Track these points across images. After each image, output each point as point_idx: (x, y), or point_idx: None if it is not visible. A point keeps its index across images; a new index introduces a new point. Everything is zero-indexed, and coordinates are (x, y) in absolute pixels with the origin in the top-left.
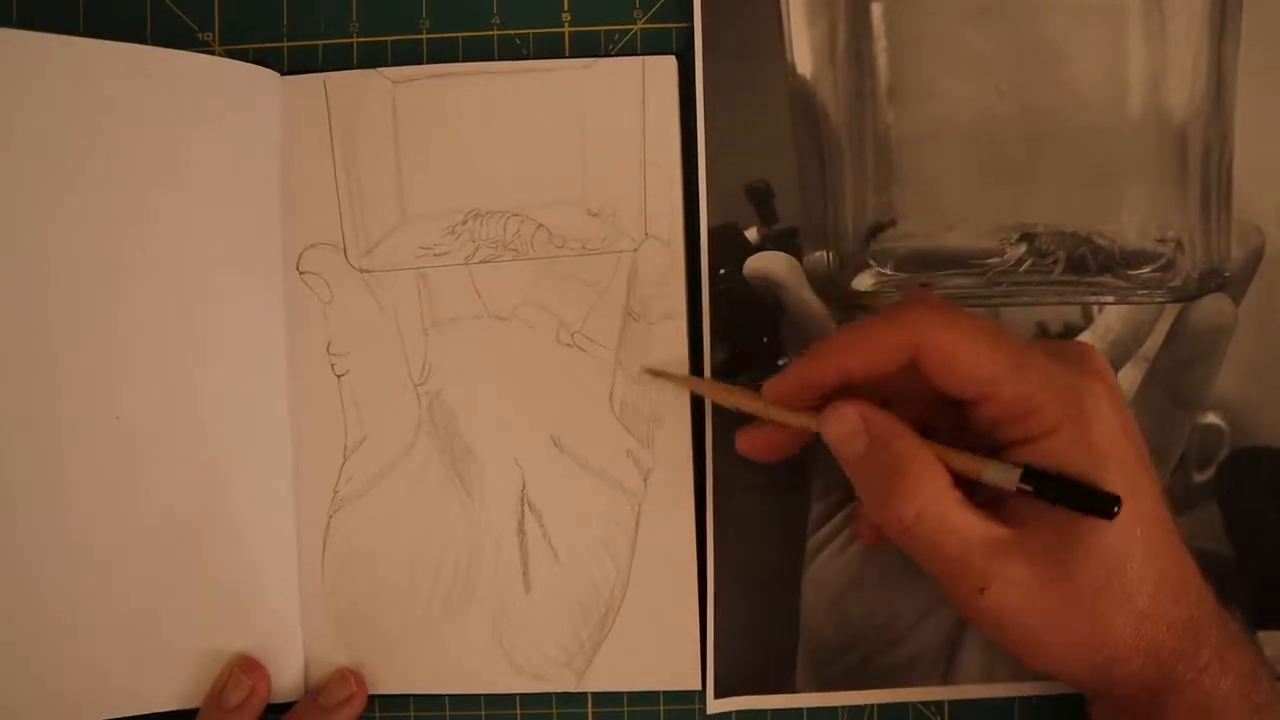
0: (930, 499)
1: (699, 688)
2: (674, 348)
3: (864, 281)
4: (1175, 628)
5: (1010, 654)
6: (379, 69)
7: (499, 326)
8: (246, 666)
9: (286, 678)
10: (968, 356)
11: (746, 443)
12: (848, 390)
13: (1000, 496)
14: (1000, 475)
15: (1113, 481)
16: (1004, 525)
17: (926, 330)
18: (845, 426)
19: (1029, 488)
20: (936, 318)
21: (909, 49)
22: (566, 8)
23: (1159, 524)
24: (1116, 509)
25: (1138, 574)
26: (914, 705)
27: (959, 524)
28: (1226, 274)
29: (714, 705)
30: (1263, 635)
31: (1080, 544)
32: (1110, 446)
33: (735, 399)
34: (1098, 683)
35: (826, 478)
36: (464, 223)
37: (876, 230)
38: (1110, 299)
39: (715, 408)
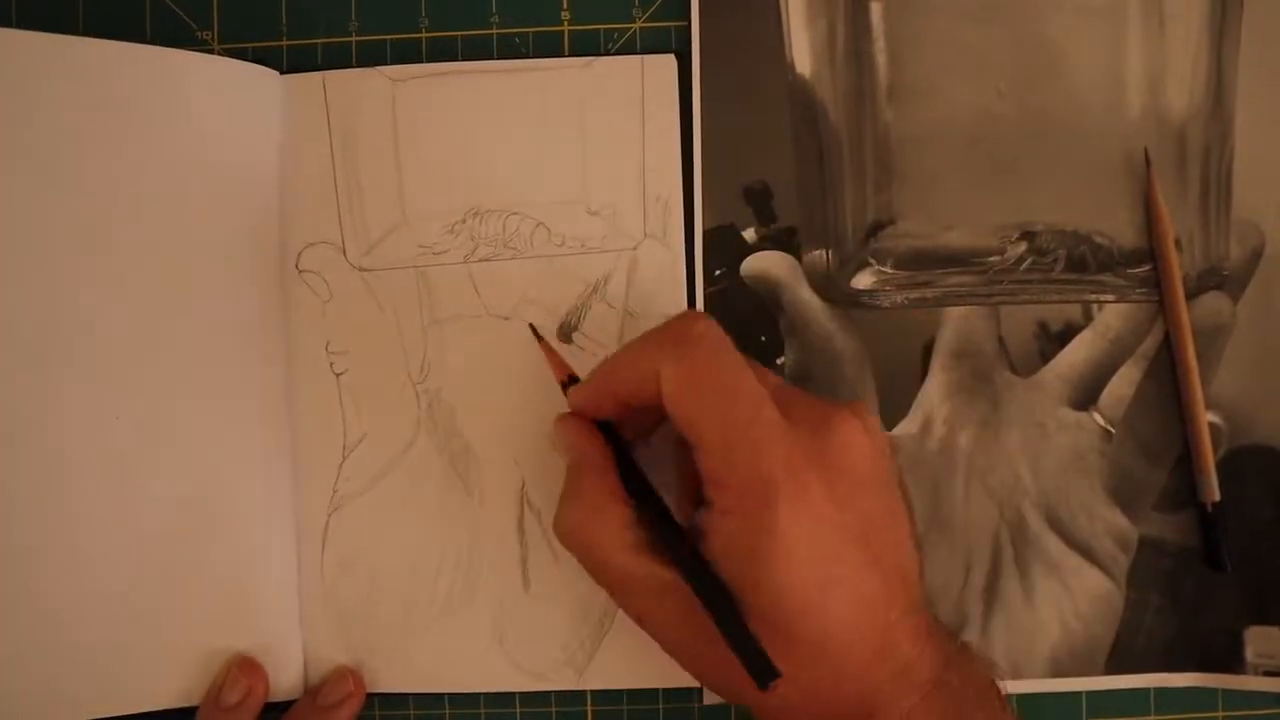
0: (599, 536)
1: (697, 685)
2: None
3: (863, 281)
4: (851, 703)
5: None
6: (378, 68)
7: (498, 325)
8: (244, 666)
9: (286, 677)
10: (690, 407)
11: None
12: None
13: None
14: (670, 544)
15: (768, 586)
16: (672, 567)
17: (668, 364)
18: (559, 438)
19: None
20: (680, 353)
21: (908, 48)
22: (565, 6)
23: (837, 613)
24: (769, 682)
25: (802, 658)
26: None
27: (623, 564)
28: (1225, 273)
29: (711, 698)
30: (1258, 630)
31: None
32: (782, 551)
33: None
34: (779, 714)
35: None
36: (463, 221)
37: (876, 229)
38: (1110, 297)
39: None
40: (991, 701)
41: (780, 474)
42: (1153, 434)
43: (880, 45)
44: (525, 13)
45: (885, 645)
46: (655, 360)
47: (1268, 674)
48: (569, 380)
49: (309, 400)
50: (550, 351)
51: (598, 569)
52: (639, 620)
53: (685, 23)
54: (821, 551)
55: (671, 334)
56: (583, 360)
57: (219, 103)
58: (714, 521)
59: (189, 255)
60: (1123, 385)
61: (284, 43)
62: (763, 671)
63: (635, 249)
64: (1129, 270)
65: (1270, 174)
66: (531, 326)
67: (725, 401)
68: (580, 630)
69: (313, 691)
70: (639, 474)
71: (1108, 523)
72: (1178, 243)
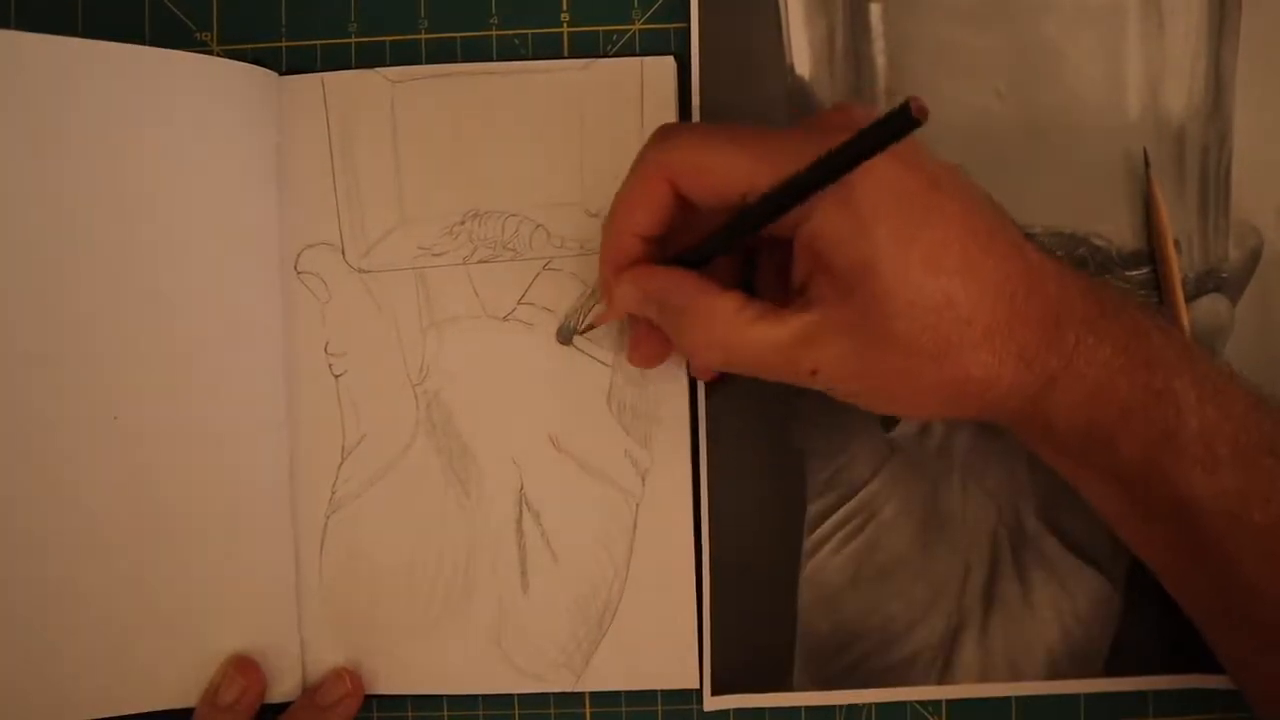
0: (726, 333)
1: (696, 686)
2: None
3: None
4: (1031, 323)
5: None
6: (377, 69)
7: (497, 327)
8: (240, 666)
9: (284, 678)
10: (716, 164)
11: (636, 357)
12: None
13: (806, 281)
14: (777, 206)
15: (880, 238)
16: (808, 311)
17: (669, 158)
18: (629, 300)
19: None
20: (673, 142)
21: (907, 49)
22: (565, 8)
23: (967, 237)
24: (911, 110)
25: (958, 296)
26: (912, 705)
27: (765, 336)
28: (1224, 275)
29: (711, 703)
30: None
31: (879, 299)
32: (875, 205)
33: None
34: (981, 411)
35: (823, 476)
36: (462, 223)
37: None
38: None
39: (712, 410)
40: (1149, 308)
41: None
42: None
43: (879, 46)
44: (524, 14)
45: (1027, 264)
46: (657, 170)
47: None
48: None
49: (308, 401)
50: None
51: (750, 358)
52: (813, 379)
53: (684, 25)
54: (911, 199)
55: (654, 141)
56: (581, 363)
57: (218, 104)
58: (806, 230)
59: (188, 256)
60: None
61: (283, 44)
62: (898, 117)
63: None
64: (1128, 272)
65: (1269, 175)
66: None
67: (736, 145)
68: (578, 631)
69: (310, 691)
70: (697, 251)
71: (1106, 525)
72: (1176, 244)
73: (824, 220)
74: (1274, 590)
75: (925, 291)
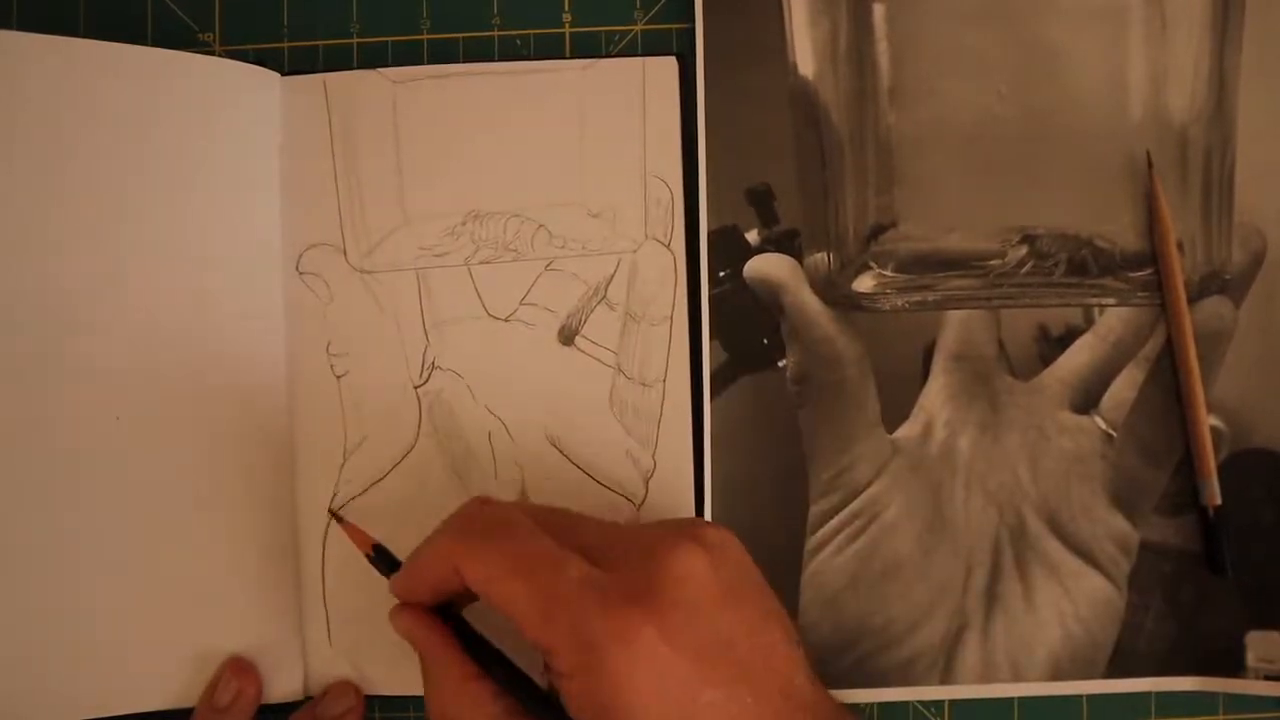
0: (462, 716)
1: None
2: (674, 349)
3: (865, 283)
4: None
5: None
6: (379, 69)
7: (499, 327)
8: (236, 667)
9: (286, 679)
10: (494, 593)
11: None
12: None
13: None
14: (538, 707)
15: None
16: None
17: (459, 558)
18: (398, 632)
19: None
20: (467, 545)
21: (911, 50)
22: (567, 8)
23: None
24: None
25: None
26: (914, 705)
27: None
28: (1227, 277)
29: None
30: (1259, 635)
31: None
32: (627, 700)
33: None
34: None
35: (825, 478)
36: (464, 223)
37: (877, 232)
38: (1111, 301)
39: (714, 411)
40: None
41: (599, 629)
42: (1154, 438)
43: (882, 47)
44: (526, 14)
45: None
46: (452, 556)
47: (1268, 678)
48: (373, 551)
49: (310, 402)
50: (351, 528)
51: None
52: None
53: (687, 25)
54: (672, 690)
55: (460, 523)
56: (583, 364)
57: (220, 104)
58: (562, 686)
59: (189, 256)
60: (1124, 389)
61: (285, 44)
62: None
63: (636, 251)
64: (1130, 274)
65: (1272, 177)
66: (331, 512)
67: (527, 574)
68: None
69: (314, 702)
70: (488, 646)
71: (1108, 526)
72: (1179, 246)
73: (576, 688)
74: None
75: None
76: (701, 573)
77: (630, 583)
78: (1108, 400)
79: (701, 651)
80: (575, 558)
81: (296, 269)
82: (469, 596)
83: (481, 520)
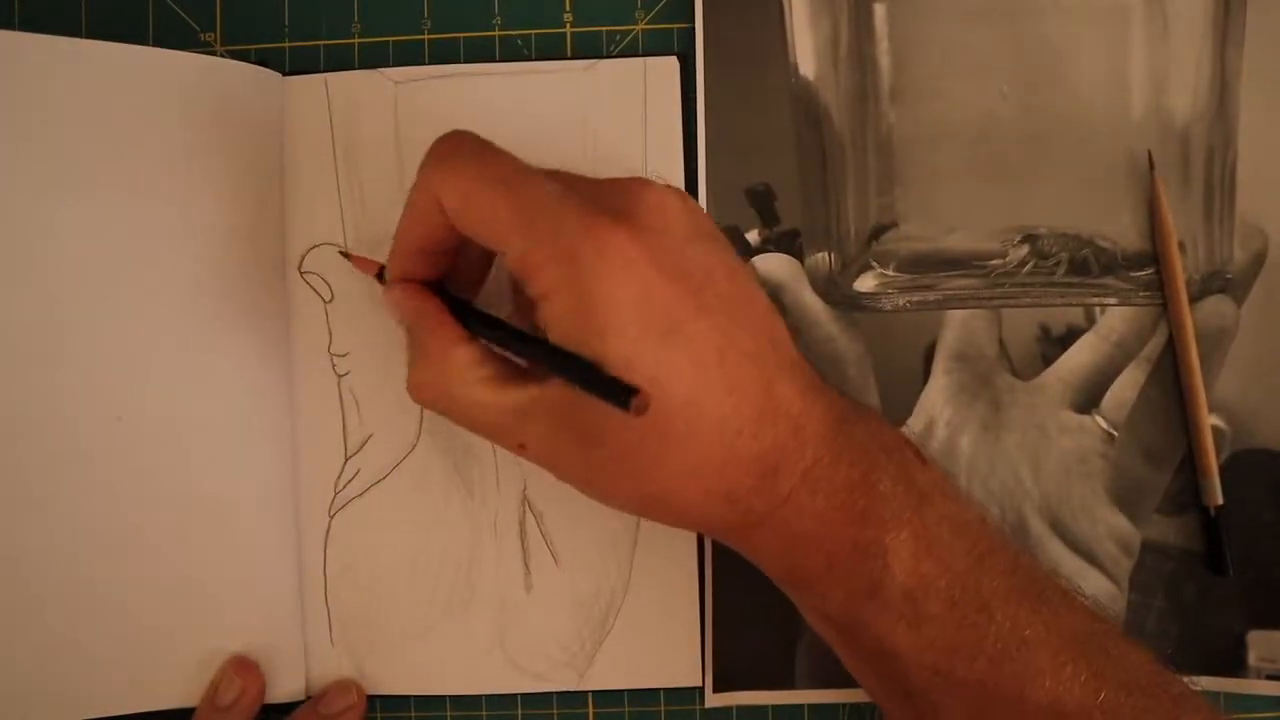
0: (450, 384)
1: (699, 684)
2: None
3: (866, 283)
4: (745, 465)
5: None
6: (381, 69)
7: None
8: (238, 666)
9: (287, 678)
10: (477, 208)
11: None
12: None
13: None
14: (522, 350)
15: (612, 355)
16: (530, 387)
17: (440, 182)
18: (389, 308)
19: (539, 364)
20: (449, 165)
21: (912, 50)
22: (568, 8)
23: (709, 365)
24: (631, 401)
25: (677, 432)
26: None
27: (484, 399)
28: (1229, 276)
29: (712, 700)
30: (1260, 634)
31: (593, 402)
32: (610, 314)
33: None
34: (691, 529)
35: None
36: None
37: (878, 232)
38: (1113, 301)
39: None
40: (903, 449)
41: (580, 238)
42: (1155, 437)
43: (883, 47)
44: (527, 15)
45: (769, 402)
46: (429, 190)
47: (1270, 678)
48: (381, 271)
49: (311, 402)
50: (357, 258)
51: (463, 416)
52: (522, 452)
53: (688, 25)
54: (656, 309)
55: (432, 157)
56: None
57: (222, 105)
58: (543, 312)
59: (191, 256)
60: (1125, 389)
61: (286, 44)
62: (621, 391)
63: None
64: (1132, 273)
65: (1274, 177)
66: (341, 252)
67: (504, 191)
68: (581, 631)
69: (315, 700)
70: (477, 310)
71: (1110, 526)
72: (1181, 246)
73: (557, 314)
74: None
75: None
76: (675, 204)
77: (609, 202)
78: (1109, 400)
79: (683, 276)
80: (548, 178)
81: (298, 269)
82: (467, 275)
83: (455, 143)
